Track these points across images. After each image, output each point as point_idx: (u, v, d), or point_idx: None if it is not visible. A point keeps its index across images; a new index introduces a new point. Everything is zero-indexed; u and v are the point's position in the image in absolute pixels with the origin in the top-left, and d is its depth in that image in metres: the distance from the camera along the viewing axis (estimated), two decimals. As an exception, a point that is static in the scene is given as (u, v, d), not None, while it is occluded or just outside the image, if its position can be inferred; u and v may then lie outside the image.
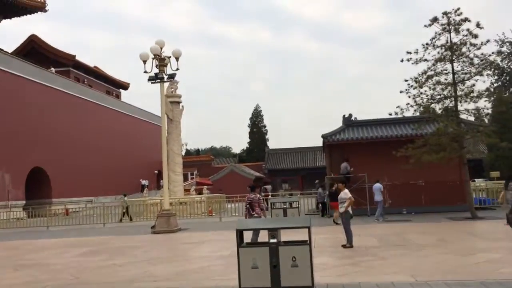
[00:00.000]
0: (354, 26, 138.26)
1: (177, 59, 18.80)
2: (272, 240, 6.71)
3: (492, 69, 16.63)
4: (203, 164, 65.84)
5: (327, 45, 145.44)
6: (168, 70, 18.88)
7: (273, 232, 6.76)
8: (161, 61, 18.52)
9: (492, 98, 18.22)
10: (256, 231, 9.67)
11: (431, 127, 19.46)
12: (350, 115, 23.56)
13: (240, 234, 6.83)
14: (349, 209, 11.36)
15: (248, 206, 10.85)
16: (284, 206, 17.61)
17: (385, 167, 21.21)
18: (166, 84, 22.63)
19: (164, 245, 13.89)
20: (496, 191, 23.34)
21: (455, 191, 20.93)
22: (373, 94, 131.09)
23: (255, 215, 10.62)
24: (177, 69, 18.83)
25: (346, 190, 11.77)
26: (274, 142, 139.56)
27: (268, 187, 52.72)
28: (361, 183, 20.93)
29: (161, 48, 18.52)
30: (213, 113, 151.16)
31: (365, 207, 20.43)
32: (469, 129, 17.81)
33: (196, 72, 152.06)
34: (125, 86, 60.09)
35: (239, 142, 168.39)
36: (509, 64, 59.63)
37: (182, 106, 33.02)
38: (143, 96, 47.76)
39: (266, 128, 78.84)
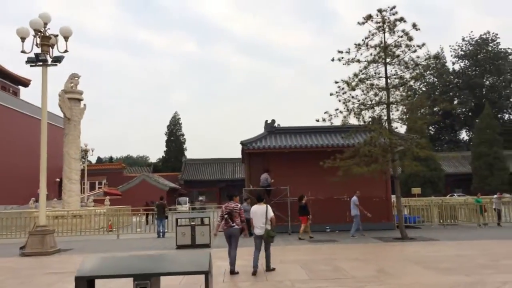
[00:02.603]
0: (281, 44, 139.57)
1: (66, 38, 15.18)
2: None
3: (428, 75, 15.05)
4: (114, 173, 60.41)
5: (254, 60, 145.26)
6: (55, 52, 15.23)
7: (143, 283, 3.82)
8: (45, 39, 14.79)
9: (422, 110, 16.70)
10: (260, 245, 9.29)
11: (362, 137, 17.72)
12: (273, 121, 21.25)
13: (88, 283, 3.84)
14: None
15: (226, 216, 9.53)
16: (193, 223, 14.58)
17: (309, 180, 19.11)
18: (65, 77, 18.78)
19: (22, 274, 10.21)
20: (421, 209, 22.32)
21: (380, 208, 19.40)
22: (299, 108, 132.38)
23: (235, 226, 9.50)
24: (66, 51, 15.21)
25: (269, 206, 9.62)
26: (193, 152, 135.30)
27: (183, 199, 49.32)
28: (282, 197, 18.58)
29: (46, 24, 14.81)
30: (131, 121, 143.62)
31: (286, 224, 18.08)
32: (402, 140, 16.18)
33: (117, 78, 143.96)
34: (25, 83, 53.34)
35: (157, 152, 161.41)
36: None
37: (84, 105, 28.76)
38: (49, 97, 42.52)
39: (184, 137, 74.90)
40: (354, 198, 17.14)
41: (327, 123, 16.74)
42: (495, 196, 22.60)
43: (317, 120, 16.72)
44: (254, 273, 9.11)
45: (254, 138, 20.54)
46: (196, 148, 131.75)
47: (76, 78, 28.13)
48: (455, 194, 47.07)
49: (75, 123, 27.38)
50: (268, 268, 9.45)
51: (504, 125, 62.54)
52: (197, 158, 61.66)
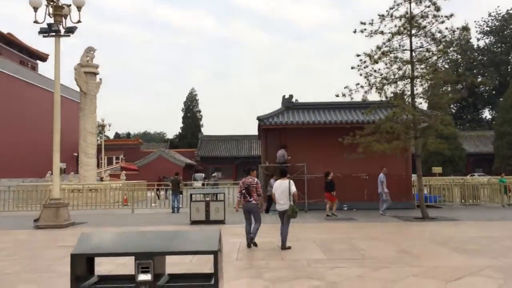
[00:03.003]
0: (300, 19, 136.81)
1: (79, 9, 14.74)
2: (142, 278, 3.43)
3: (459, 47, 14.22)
4: (131, 149, 60.71)
5: (272, 35, 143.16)
6: (68, 23, 14.85)
7: (145, 262, 3.45)
8: (57, 9, 14.38)
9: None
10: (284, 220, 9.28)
11: (383, 113, 17.05)
12: (291, 96, 20.63)
13: (87, 261, 3.50)
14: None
15: (244, 191, 9.50)
16: (207, 199, 14.28)
17: (327, 157, 18.60)
18: (81, 51, 18.45)
19: (34, 246, 10.08)
20: (441, 188, 21.67)
21: (400, 186, 18.84)
22: (317, 84, 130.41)
23: (253, 201, 9.47)
24: (79, 21, 14.81)
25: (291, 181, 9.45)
26: (209, 129, 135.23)
27: (199, 175, 49.25)
28: (299, 174, 18.14)
29: (58, -7, 14.38)
30: (149, 97, 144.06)
31: (303, 202, 17.70)
32: (426, 116, 15.45)
33: (136, 54, 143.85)
34: (43, 57, 53.39)
35: (174, 128, 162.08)
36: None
37: (100, 79, 28.52)
38: (66, 72, 42.61)
39: (201, 113, 74.48)
40: (381, 175, 16.63)
41: (347, 99, 16.09)
42: (520, 176, 21.82)
43: (337, 95, 16.06)
44: (287, 248, 9.08)
45: (271, 113, 20.01)
46: (212, 125, 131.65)
47: (92, 52, 27.82)
48: (475, 174, 46.00)
49: (91, 97, 27.20)
50: (284, 246, 9.14)
51: (530, 104, 60.43)
52: (213, 135, 61.41)
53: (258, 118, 19.55)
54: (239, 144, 58.54)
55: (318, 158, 18.70)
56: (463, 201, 20.71)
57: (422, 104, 16.89)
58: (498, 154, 47.82)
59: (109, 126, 43.09)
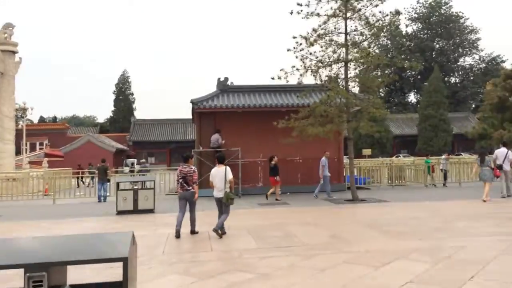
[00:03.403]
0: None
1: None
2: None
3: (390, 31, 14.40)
4: (56, 134, 57.17)
5: (212, 16, 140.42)
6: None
7: (37, 275, 2.90)
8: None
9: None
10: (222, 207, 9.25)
11: (318, 96, 17.09)
12: (226, 78, 20.11)
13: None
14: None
15: (181, 180, 9.36)
16: (136, 187, 13.52)
17: (262, 141, 18.46)
18: None
19: None
20: (370, 170, 22.36)
21: (332, 169, 19.08)
22: (256, 66, 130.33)
23: (191, 190, 9.36)
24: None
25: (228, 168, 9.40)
26: (143, 112, 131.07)
27: (131, 160, 47.51)
28: (234, 159, 17.82)
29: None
30: (80, 78, 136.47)
31: (237, 187, 17.42)
32: (359, 99, 15.67)
33: (64, 35, 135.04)
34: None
35: (106, 112, 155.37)
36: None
37: (20, 58, 26.27)
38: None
39: (133, 96, 71.81)
40: (323, 158, 16.70)
41: (283, 81, 15.92)
42: (442, 156, 23.01)
43: (272, 78, 15.84)
44: (222, 235, 8.92)
45: (205, 96, 19.41)
46: (147, 108, 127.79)
47: (11, 28, 25.51)
48: (400, 155, 48.43)
49: (9, 78, 25.02)
50: (218, 229, 8.93)
51: (451, 88, 64.55)
52: (147, 119, 59.46)
53: (192, 101, 18.89)
54: (173, 128, 57.19)
55: (253, 142, 18.50)
56: (390, 182, 21.53)
57: (355, 87, 17.16)
58: (422, 135, 50.70)
59: (32, 109, 40.09)
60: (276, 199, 15.78)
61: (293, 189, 18.25)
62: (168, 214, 12.12)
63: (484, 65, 67.96)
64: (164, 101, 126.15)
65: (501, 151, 15.38)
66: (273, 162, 16.37)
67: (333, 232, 9.22)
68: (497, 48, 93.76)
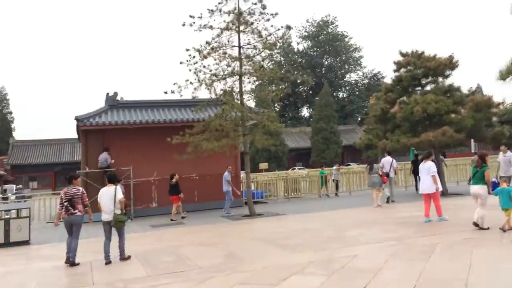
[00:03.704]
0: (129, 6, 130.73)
1: None
2: None
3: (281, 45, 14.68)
4: None
5: (99, 29, 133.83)
6: None
7: None
8: None
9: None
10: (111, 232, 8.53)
11: (213, 110, 16.76)
12: (116, 93, 18.88)
13: None
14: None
15: (66, 203, 8.43)
16: (7, 216, 11.80)
17: (156, 158, 17.59)
18: None
19: None
20: (267, 183, 22.54)
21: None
22: (148, 80, 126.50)
23: (78, 213, 8.49)
24: None
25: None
26: (23, 133, 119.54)
27: (10, 186, 42.62)
28: (125, 178, 16.67)
29: None
30: None
31: (129, 209, 16.29)
32: (254, 113, 15.66)
33: None
34: None
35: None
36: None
37: None
38: None
39: (12, 115, 65.31)
40: (226, 173, 16.34)
41: (177, 96, 15.35)
42: (334, 167, 24.05)
43: (165, 92, 15.17)
44: (108, 263, 8.16)
45: (92, 113, 17.98)
46: (29, 128, 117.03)
47: None
48: (296, 167, 50.21)
49: None
50: (122, 257, 8.36)
51: (339, 102, 69.03)
52: (28, 140, 54.16)
53: (77, 118, 17.37)
54: (60, 148, 52.80)
55: (146, 160, 17.56)
56: (286, 194, 21.90)
57: (250, 101, 17.19)
58: (315, 148, 53.21)
59: None
60: (172, 219, 15.07)
61: (189, 207, 17.57)
62: (46, 245, 10.78)
63: (367, 80, 73.90)
64: (49, 119, 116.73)
65: (386, 160, 16.40)
66: (174, 180, 15.70)
67: (229, 251, 8.81)
68: (377, 65, 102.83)
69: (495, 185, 9.97)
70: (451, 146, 16.80)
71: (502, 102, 18.39)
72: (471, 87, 18.37)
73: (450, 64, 17.92)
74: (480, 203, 9.03)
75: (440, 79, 18.45)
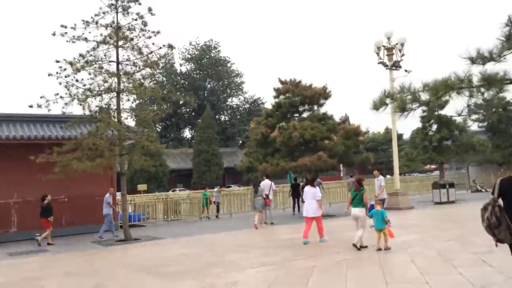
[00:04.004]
0: None
1: None
2: None
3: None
4: None
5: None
6: None
7: None
8: None
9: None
10: None
11: (87, 128, 15.48)
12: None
13: None
14: None
15: None
16: None
17: (17, 179, 15.69)
18: None
19: None
20: (146, 206, 21.51)
21: (101, 207, 17.58)
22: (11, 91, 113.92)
23: None
24: None
25: None
26: None
27: None
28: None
29: None
30: None
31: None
32: (132, 132, 14.82)
33: None
34: None
35: None
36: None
37: None
38: None
39: None
40: (107, 195, 15.22)
41: (44, 111, 13.84)
42: (215, 189, 23.94)
43: (31, 106, 13.60)
44: None
45: None
46: None
47: None
48: (177, 189, 49.27)
49: None
50: None
51: (221, 125, 70.03)
52: None
53: None
54: None
55: (5, 180, 15.54)
56: (165, 217, 21.12)
57: (129, 120, 16.28)
58: (196, 169, 52.92)
59: None
60: (48, 243, 13.53)
61: (57, 232, 15.84)
62: None
63: (248, 105, 76.31)
64: None
65: (265, 183, 16.76)
66: (45, 202, 14.17)
67: (99, 281, 7.98)
68: (258, 91, 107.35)
69: (371, 208, 10.71)
70: (324, 170, 17.87)
71: (367, 132, 20.30)
72: (342, 116, 19.91)
73: (324, 94, 19.29)
74: (360, 225, 9.57)
75: (315, 107, 19.73)
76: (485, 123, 27.18)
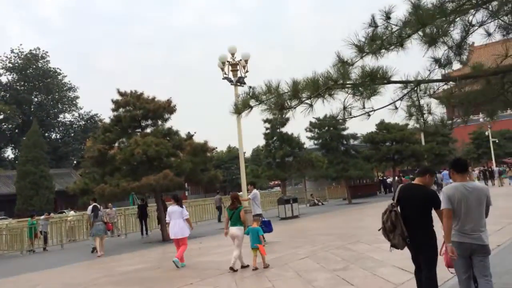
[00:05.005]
0: None
1: None
2: None
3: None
4: None
5: None
6: None
7: None
8: None
9: None
10: None
11: None
12: None
13: None
14: None
15: None
16: None
17: None
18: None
19: None
20: None
21: None
22: None
23: None
24: None
25: None
26: None
27: None
28: None
29: None
30: None
31: None
32: None
33: None
34: None
35: None
36: None
37: None
38: None
39: None
40: None
41: None
42: (42, 217, 20.38)
43: None
44: None
45: None
46: None
47: None
48: (-4, 218, 42.02)
49: None
50: None
51: (52, 143, 62.79)
52: None
53: None
54: None
55: None
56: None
57: None
58: (21, 194, 46.02)
59: None
60: None
61: None
62: None
63: (83, 122, 70.05)
64: None
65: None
66: None
67: None
68: (95, 108, 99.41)
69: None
70: (171, 190, 16.52)
71: (215, 148, 19.68)
72: (189, 132, 18.87)
73: (169, 107, 18.06)
74: (236, 244, 8.79)
75: (159, 122, 18.34)
76: (320, 141, 29.22)
